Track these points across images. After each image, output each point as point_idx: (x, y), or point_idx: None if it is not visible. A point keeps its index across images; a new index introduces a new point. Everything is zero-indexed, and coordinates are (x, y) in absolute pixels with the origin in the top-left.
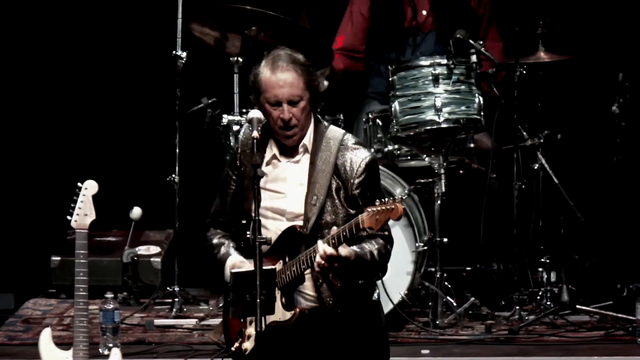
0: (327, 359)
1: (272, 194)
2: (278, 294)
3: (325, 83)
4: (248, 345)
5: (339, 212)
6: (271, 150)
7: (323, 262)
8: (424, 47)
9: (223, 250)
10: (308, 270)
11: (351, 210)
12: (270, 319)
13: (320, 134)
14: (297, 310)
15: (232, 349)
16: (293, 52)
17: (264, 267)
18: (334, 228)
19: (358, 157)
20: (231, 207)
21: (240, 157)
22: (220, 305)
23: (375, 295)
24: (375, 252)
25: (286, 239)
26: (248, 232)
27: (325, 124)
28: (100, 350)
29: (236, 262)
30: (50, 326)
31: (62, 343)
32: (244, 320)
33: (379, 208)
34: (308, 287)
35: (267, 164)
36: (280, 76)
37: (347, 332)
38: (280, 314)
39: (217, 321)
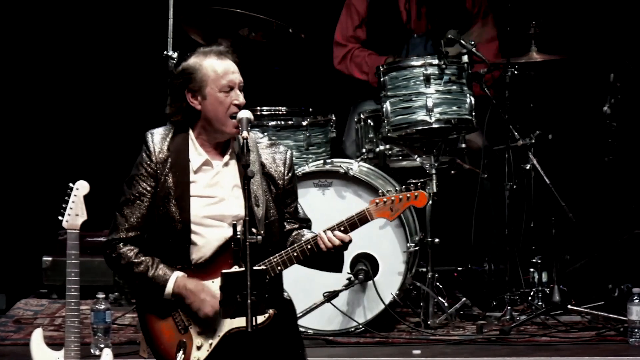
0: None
1: (207, 200)
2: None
3: None
4: (200, 354)
5: (275, 208)
6: (200, 155)
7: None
8: (419, 50)
9: (155, 266)
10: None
11: (280, 206)
12: (233, 324)
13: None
14: (272, 312)
15: None
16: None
17: (255, 268)
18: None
19: (281, 153)
20: (144, 221)
21: (157, 166)
22: None
23: (286, 294)
24: None
25: (235, 244)
26: (238, 233)
27: None
28: (92, 351)
29: (192, 285)
30: (41, 326)
31: (53, 343)
32: (181, 332)
33: (393, 197)
34: None
35: (197, 171)
36: (230, 63)
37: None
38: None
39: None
